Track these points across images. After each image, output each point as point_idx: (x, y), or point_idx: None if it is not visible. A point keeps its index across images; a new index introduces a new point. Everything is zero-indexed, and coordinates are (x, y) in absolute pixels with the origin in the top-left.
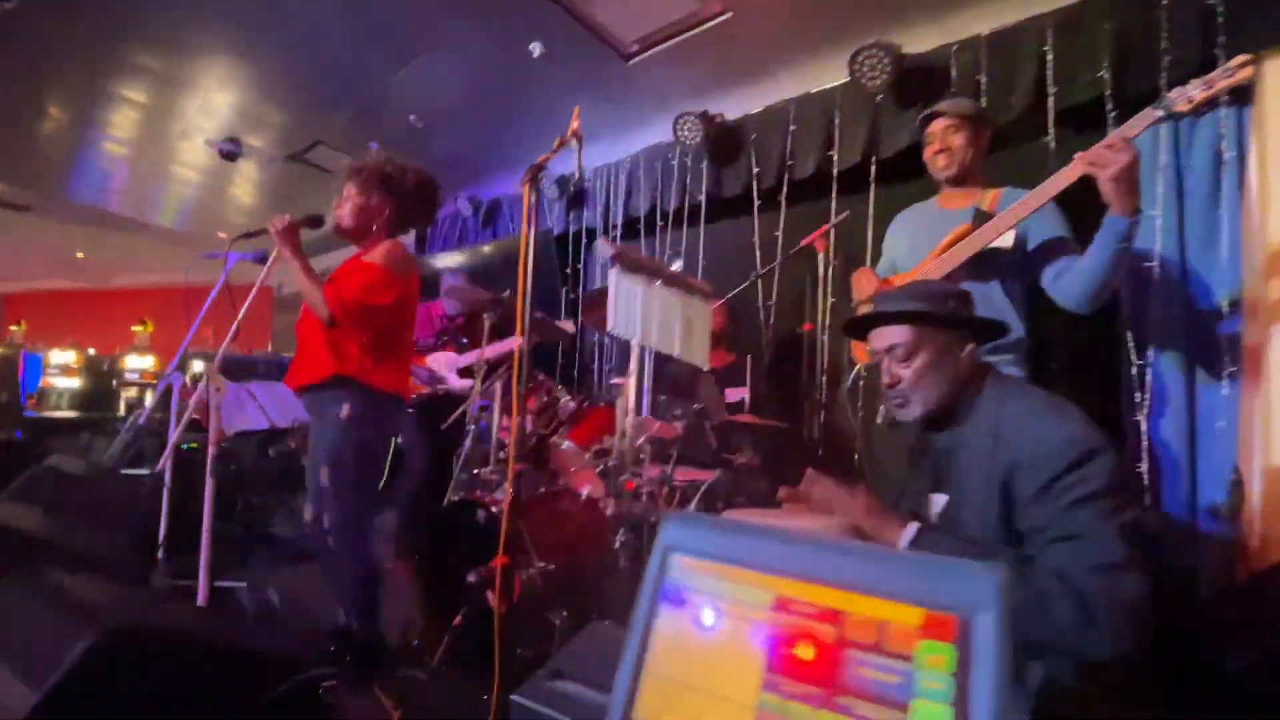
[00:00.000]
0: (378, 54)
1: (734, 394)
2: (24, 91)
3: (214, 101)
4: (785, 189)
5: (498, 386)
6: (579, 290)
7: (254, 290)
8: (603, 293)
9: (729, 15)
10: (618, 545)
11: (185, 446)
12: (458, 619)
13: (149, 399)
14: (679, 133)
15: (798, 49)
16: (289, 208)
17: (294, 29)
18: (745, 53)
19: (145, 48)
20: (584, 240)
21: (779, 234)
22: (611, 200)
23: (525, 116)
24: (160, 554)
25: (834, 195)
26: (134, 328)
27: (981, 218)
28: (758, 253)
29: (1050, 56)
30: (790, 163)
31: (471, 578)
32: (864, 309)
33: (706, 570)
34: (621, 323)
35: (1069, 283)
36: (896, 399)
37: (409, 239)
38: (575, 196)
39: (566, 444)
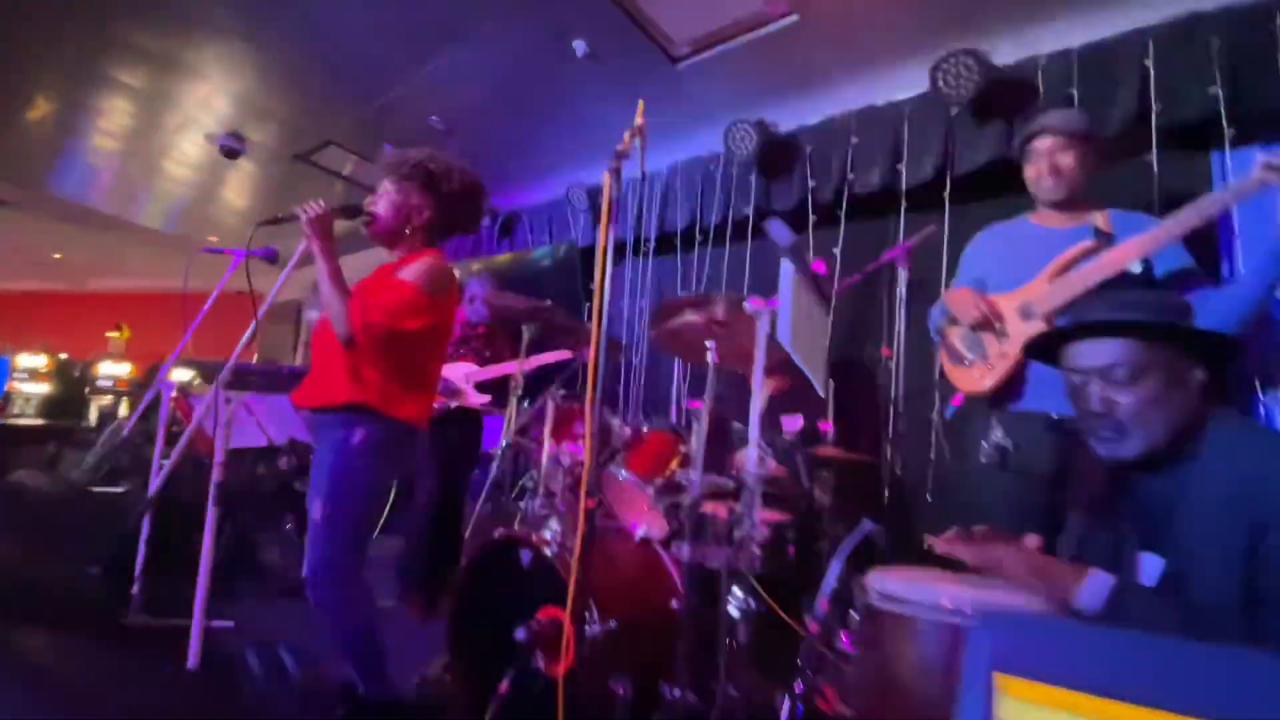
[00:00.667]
0: (402, 47)
1: (789, 422)
2: (10, 75)
3: (216, 92)
4: (844, 205)
5: (549, 406)
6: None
7: (274, 290)
8: (674, 305)
9: (795, 18)
10: (731, 606)
11: (162, 463)
12: (504, 684)
13: (124, 409)
14: (730, 142)
15: (865, 58)
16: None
17: (312, 15)
18: (804, 60)
19: (145, 28)
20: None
21: (836, 251)
22: (645, 212)
23: (554, 121)
24: (135, 588)
25: (902, 211)
26: (109, 333)
27: (1103, 238)
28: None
29: (1153, 72)
30: (850, 177)
31: (521, 635)
32: (955, 333)
33: (1081, 710)
34: (800, 334)
35: (1206, 317)
36: (1109, 432)
37: None
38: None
39: (624, 474)
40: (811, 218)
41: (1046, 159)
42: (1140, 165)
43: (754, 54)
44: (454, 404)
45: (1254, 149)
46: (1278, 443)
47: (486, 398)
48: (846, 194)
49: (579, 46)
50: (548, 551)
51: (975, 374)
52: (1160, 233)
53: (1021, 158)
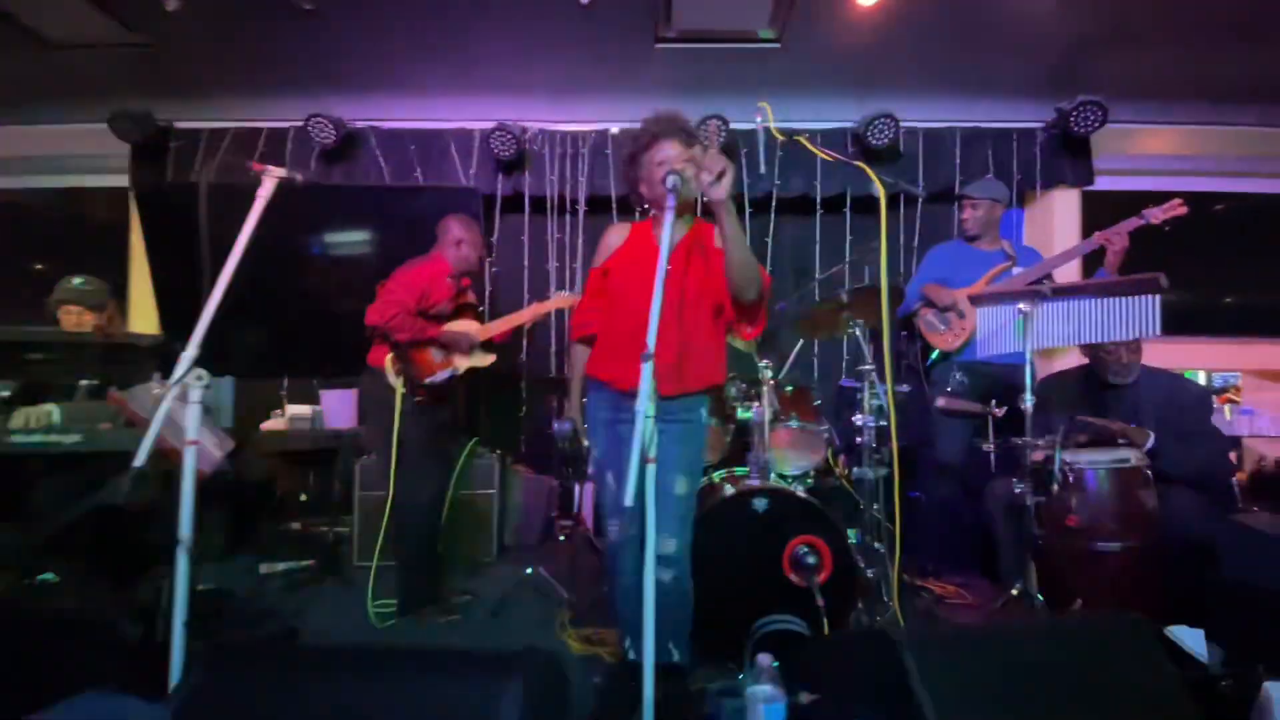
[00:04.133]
0: None
1: None
2: None
3: None
4: (773, 202)
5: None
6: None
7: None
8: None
9: (778, 46)
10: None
11: None
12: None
13: None
14: (701, 132)
15: (803, 93)
16: None
17: None
18: (757, 78)
19: None
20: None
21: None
22: (569, 172)
23: (479, 46)
24: None
25: (818, 217)
26: None
27: (1011, 259)
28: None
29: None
30: (778, 183)
31: (810, 560)
32: (929, 311)
33: None
34: None
35: None
36: (1121, 368)
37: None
38: (516, 159)
39: (799, 423)
40: (749, 209)
41: (969, 208)
42: None
43: (721, 60)
44: (462, 369)
45: None
46: (1168, 374)
47: (493, 357)
48: (776, 195)
49: None
50: (799, 491)
51: (948, 338)
52: (1057, 261)
53: (957, 208)
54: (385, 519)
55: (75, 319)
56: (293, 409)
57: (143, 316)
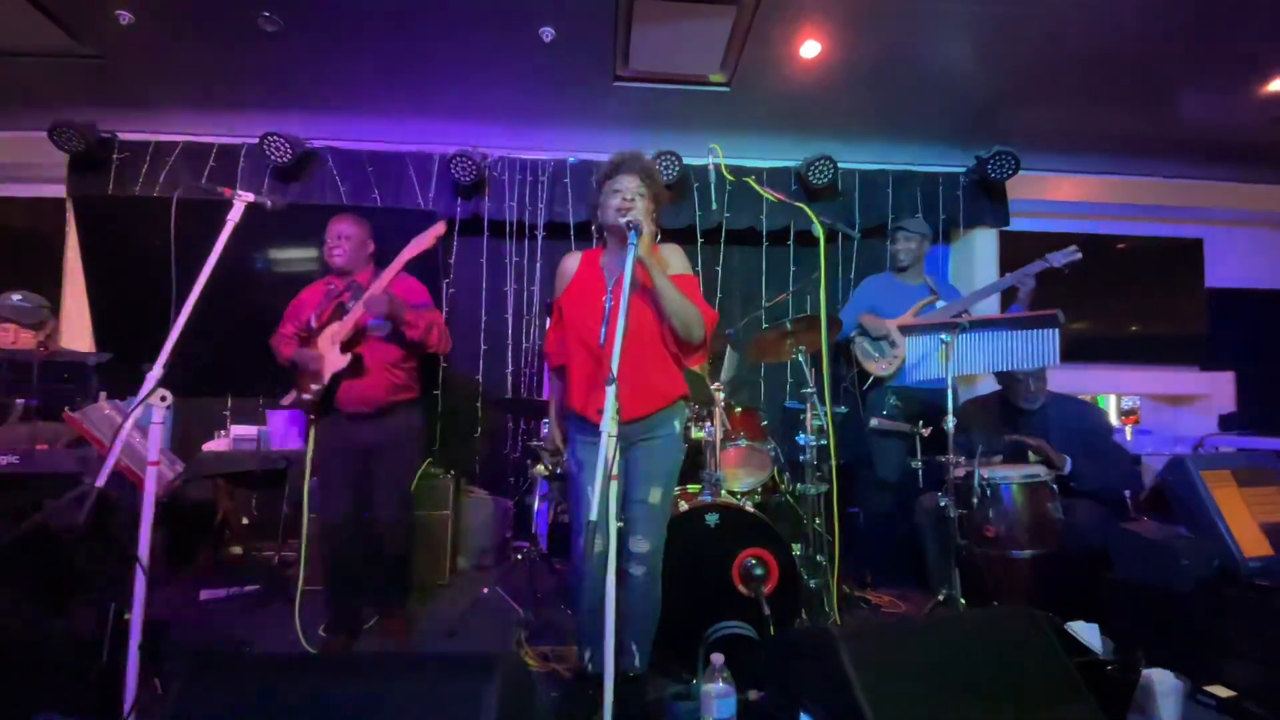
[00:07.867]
0: None
1: None
2: None
3: None
4: (724, 235)
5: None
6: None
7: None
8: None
9: (728, 90)
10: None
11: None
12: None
13: None
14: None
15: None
16: None
17: None
18: (714, 117)
19: None
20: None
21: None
22: (528, 198)
23: (440, 75)
24: None
25: (763, 247)
26: None
27: (934, 293)
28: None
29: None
30: (700, 213)
31: (758, 571)
32: (863, 340)
33: None
34: None
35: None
36: (1031, 395)
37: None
38: (476, 184)
39: (745, 441)
40: (699, 240)
41: (902, 244)
42: None
43: (675, 99)
44: (317, 386)
45: None
46: (1073, 400)
47: (347, 358)
48: (725, 228)
49: (547, 34)
50: (748, 506)
51: (881, 365)
52: (975, 298)
53: (891, 240)
54: (303, 541)
55: (11, 337)
56: (237, 429)
57: (75, 332)
